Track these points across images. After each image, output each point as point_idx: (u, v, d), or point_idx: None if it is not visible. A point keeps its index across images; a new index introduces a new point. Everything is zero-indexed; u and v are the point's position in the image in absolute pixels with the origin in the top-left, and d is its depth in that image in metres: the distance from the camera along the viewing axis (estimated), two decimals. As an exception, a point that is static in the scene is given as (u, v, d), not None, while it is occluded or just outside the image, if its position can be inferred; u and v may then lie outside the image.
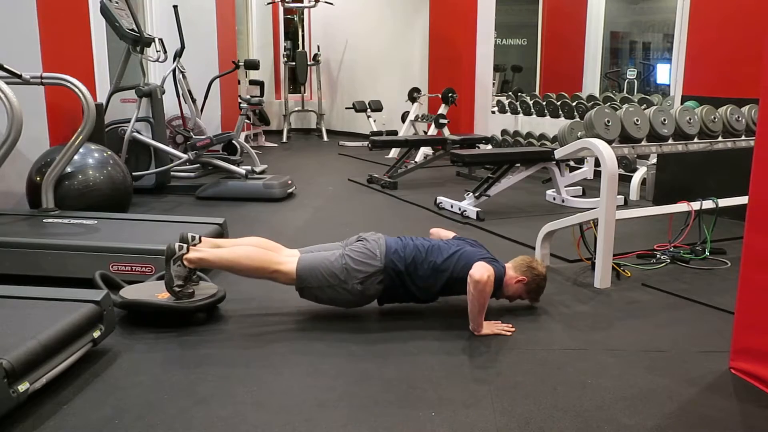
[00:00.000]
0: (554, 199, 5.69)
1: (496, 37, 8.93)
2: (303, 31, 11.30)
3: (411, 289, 3.03)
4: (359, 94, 9.95)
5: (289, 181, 5.96)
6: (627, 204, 5.57)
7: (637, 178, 5.99)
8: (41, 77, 4.07)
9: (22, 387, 2.11)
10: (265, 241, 3.19)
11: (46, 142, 4.48)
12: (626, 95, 7.56)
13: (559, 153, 4.05)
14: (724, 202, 3.96)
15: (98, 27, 5.54)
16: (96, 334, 2.55)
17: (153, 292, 3.01)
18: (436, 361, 2.67)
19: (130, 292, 3.02)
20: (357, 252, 2.99)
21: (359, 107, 9.51)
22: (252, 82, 9.87)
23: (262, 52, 10.57)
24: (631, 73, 8.73)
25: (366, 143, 7.54)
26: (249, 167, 6.04)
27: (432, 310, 3.23)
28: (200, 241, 3.03)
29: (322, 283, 2.95)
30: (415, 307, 3.24)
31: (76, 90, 4.11)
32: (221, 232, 3.93)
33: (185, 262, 2.92)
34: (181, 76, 6.63)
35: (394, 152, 8.19)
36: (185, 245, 2.96)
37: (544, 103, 7.44)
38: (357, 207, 5.72)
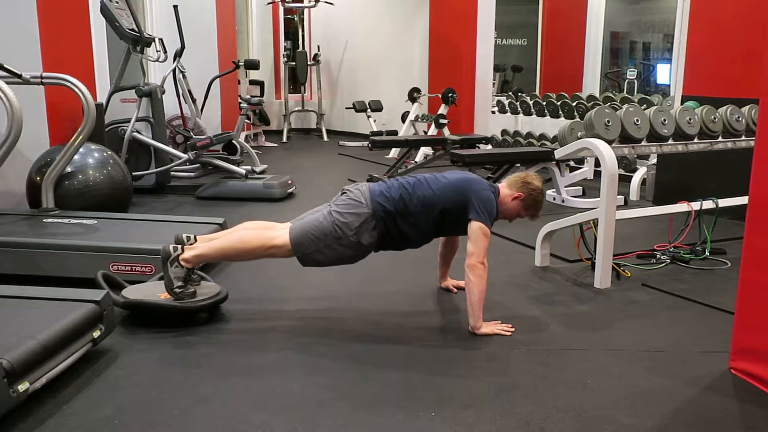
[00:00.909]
0: (554, 199, 5.69)
1: (496, 37, 8.93)
2: (303, 31, 11.29)
3: (404, 230, 2.96)
4: (359, 94, 9.95)
5: (289, 181, 5.96)
6: (627, 204, 5.57)
7: (637, 178, 5.99)
8: (41, 77, 4.07)
9: (22, 387, 2.11)
10: (258, 222, 3.17)
11: (46, 142, 4.47)
12: (626, 95, 7.57)
13: (559, 153, 4.05)
14: (724, 202, 3.96)
15: (98, 27, 5.54)
16: (96, 334, 2.55)
17: (155, 292, 3.01)
18: (436, 361, 2.67)
19: (132, 292, 3.02)
20: (342, 205, 2.95)
21: (359, 107, 9.51)
22: (252, 82, 9.87)
23: (262, 52, 10.57)
24: (631, 74, 8.74)
25: (366, 143, 7.54)
26: (249, 167, 6.04)
27: (432, 310, 3.23)
28: (195, 240, 3.03)
29: (317, 245, 2.90)
30: (415, 306, 3.24)
31: (76, 90, 4.11)
32: (221, 232, 3.93)
33: (182, 262, 2.92)
34: (181, 76, 6.62)
35: (394, 152, 8.19)
36: (180, 246, 2.96)
37: (544, 103, 7.44)
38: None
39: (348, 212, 2.92)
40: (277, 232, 2.99)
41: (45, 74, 4.10)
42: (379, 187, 3.01)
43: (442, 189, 2.98)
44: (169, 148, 5.97)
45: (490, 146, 7.19)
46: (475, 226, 2.90)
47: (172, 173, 6.07)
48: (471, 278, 2.86)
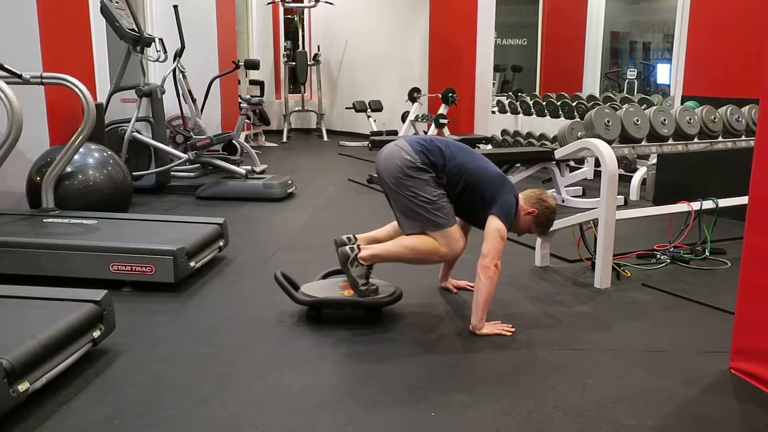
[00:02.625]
0: (554, 199, 5.68)
1: (496, 37, 8.94)
2: (303, 31, 11.30)
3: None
4: (359, 94, 9.95)
5: (289, 181, 5.96)
6: (627, 204, 5.57)
7: (637, 178, 5.99)
8: (41, 77, 4.07)
9: (22, 387, 2.11)
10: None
11: (46, 142, 4.47)
12: (626, 95, 7.57)
13: (559, 153, 4.05)
14: (724, 202, 3.96)
15: (98, 27, 5.54)
16: (96, 334, 2.55)
17: (334, 289, 3.09)
18: (436, 360, 2.67)
19: (313, 291, 3.07)
20: (407, 176, 2.91)
21: (359, 107, 9.51)
22: (252, 82, 9.87)
23: (262, 52, 10.57)
24: (631, 73, 8.74)
25: (366, 143, 7.54)
26: (249, 167, 6.04)
27: (432, 310, 3.23)
28: (355, 238, 3.08)
29: (443, 213, 2.92)
30: (416, 306, 3.24)
31: (76, 90, 4.11)
32: (221, 232, 3.93)
33: (361, 261, 2.95)
34: (181, 76, 6.62)
35: (394, 152, 8.17)
36: (355, 245, 3.00)
37: (544, 103, 7.44)
38: (357, 207, 5.71)
39: (414, 177, 2.91)
40: (439, 244, 2.96)
41: (45, 74, 4.10)
42: (416, 139, 3.02)
43: (478, 168, 3.01)
44: (169, 148, 5.97)
45: (490, 146, 7.20)
46: (493, 227, 2.91)
47: (172, 173, 6.07)
48: (482, 279, 2.87)
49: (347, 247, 3.00)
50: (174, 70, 6.53)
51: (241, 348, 2.78)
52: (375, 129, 9.06)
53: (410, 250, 2.99)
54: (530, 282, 3.67)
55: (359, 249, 2.99)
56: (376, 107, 9.55)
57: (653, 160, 5.93)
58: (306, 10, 11.04)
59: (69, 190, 4.23)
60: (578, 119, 6.10)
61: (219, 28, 7.65)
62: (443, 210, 2.94)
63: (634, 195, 5.90)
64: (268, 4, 10.50)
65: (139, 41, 5.60)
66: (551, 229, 3.80)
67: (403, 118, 8.88)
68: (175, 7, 6.46)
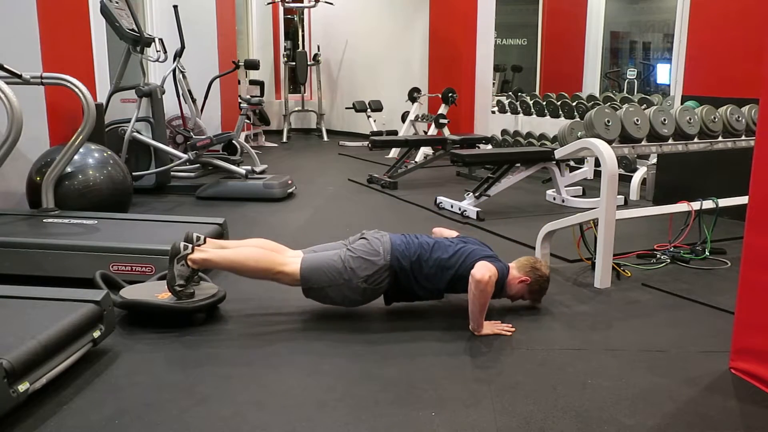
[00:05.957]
0: (554, 199, 5.69)
1: (496, 37, 8.94)
2: (303, 31, 11.30)
3: (415, 288, 3.02)
4: (359, 94, 9.95)
5: (289, 181, 5.97)
6: (627, 204, 5.57)
7: (637, 178, 5.99)
8: (41, 77, 4.07)
9: (22, 387, 2.11)
10: (268, 242, 3.17)
11: (46, 142, 4.48)
12: (626, 95, 7.56)
13: (559, 153, 4.05)
14: (724, 202, 3.96)
15: (98, 27, 5.54)
16: (96, 334, 2.55)
17: (153, 292, 3.00)
18: (437, 360, 2.67)
19: (130, 292, 3.01)
20: (360, 250, 2.97)
21: (359, 107, 9.51)
22: (252, 82, 9.88)
23: (262, 52, 10.57)
24: (631, 73, 8.74)
25: (366, 143, 7.54)
26: (249, 167, 6.05)
27: (433, 310, 3.23)
28: (205, 241, 3.02)
29: (325, 283, 2.93)
30: (416, 307, 3.24)
31: (76, 90, 4.11)
32: (221, 232, 3.93)
33: (189, 262, 2.91)
34: (181, 76, 6.63)
35: (394, 152, 8.19)
36: (190, 245, 2.95)
37: (544, 103, 7.43)
38: (357, 207, 5.72)
39: (364, 258, 2.94)
40: (287, 259, 2.99)
41: (45, 74, 4.10)
42: (400, 242, 3.02)
43: (457, 254, 3.01)
44: (169, 148, 5.97)
45: (490, 146, 7.19)
46: (481, 263, 2.92)
47: (172, 173, 6.07)
48: (474, 291, 2.84)
49: (182, 244, 2.93)
50: (174, 70, 6.54)
51: (241, 347, 2.77)
52: (375, 129, 9.05)
53: (250, 260, 2.95)
54: (530, 282, 3.66)
55: (193, 251, 2.93)
56: (376, 107, 9.54)
57: (653, 160, 5.93)
58: (306, 10, 11.04)
59: (69, 190, 4.22)
60: (578, 119, 6.10)
61: (219, 28, 7.66)
62: (329, 283, 2.92)
63: (634, 195, 5.90)
64: (268, 4, 10.51)
65: (139, 41, 5.60)
66: (552, 229, 3.82)
67: (403, 118, 8.88)
68: (175, 7, 6.46)
